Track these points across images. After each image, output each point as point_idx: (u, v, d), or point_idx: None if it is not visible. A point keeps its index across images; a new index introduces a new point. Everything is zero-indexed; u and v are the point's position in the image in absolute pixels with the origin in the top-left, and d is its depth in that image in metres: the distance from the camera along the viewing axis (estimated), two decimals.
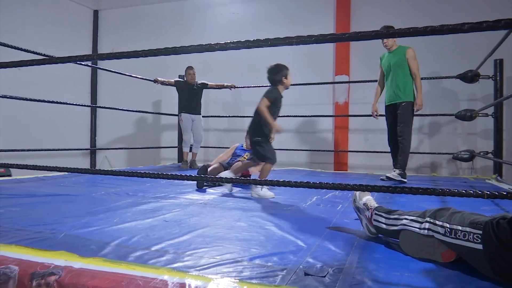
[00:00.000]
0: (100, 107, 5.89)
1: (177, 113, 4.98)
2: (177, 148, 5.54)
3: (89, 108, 6.64)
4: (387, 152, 3.91)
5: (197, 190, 2.74)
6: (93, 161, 6.74)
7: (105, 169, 3.82)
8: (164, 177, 1.74)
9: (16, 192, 2.52)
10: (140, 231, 1.53)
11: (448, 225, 1.14)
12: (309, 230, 1.59)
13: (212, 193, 2.68)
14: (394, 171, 3.45)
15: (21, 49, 3.01)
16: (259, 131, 2.59)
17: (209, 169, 3.15)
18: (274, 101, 2.58)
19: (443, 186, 3.15)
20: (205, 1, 6.10)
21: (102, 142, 6.69)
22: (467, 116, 4.03)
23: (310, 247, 1.34)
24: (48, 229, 1.52)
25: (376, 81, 3.87)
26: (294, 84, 4.47)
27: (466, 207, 1.32)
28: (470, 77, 3.97)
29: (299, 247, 1.35)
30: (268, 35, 1.44)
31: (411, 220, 1.28)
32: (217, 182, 2.92)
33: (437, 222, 1.19)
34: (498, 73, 3.93)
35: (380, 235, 1.46)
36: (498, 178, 3.78)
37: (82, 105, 5.28)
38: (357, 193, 1.60)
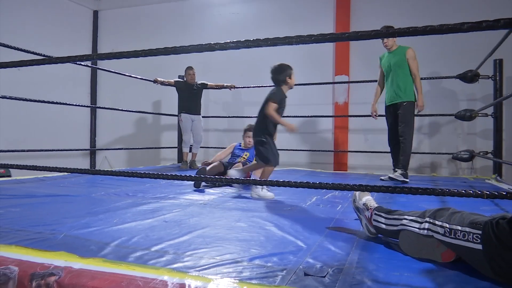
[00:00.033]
0: (100, 107, 5.89)
1: (177, 113, 4.98)
2: (177, 149, 5.55)
3: (89, 108, 6.64)
4: (387, 152, 3.91)
5: (195, 190, 2.74)
6: (93, 162, 6.74)
7: (105, 169, 3.82)
8: (164, 177, 1.74)
9: (16, 192, 2.52)
10: (140, 232, 1.53)
11: (447, 225, 1.15)
12: (309, 230, 1.59)
13: (212, 193, 2.68)
14: (396, 171, 3.44)
15: (21, 50, 3.01)
16: (263, 132, 2.58)
17: (208, 168, 3.14)
18: (279, 102, 2.56)
19: (442, 186, 3.15)
20: (204, 2, 6.10)
21: (102, 143, 6.69)
22: (466, 116, 4.03)
23: (310, 247, 1.34)
24: (48, 230, 1.52)
25: (376, 81, 3.88)
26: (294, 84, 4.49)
27: (466, 207, 1.32)
28: (469, 77, 3.98)
29: (299, 247, 1.35)
30: (268, 35, 1.44)
31: (411, 220, 1.28)
32: (217, 182, 2.92)
33: (437, 222, 1.19)
34: (497, 73, 3.94)
35: (379, 235, 1.46)
36: (498, 178, 3.78)
37: (82, 106, 5.28)
38: (357, 193, 1.60)
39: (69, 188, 2.78)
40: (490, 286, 1.02)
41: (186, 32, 6.08)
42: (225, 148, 3.80)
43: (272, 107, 2.53)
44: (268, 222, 1.74)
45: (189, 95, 4.76)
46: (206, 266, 1.13)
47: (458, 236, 1.10)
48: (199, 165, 4.73)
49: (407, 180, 3.38)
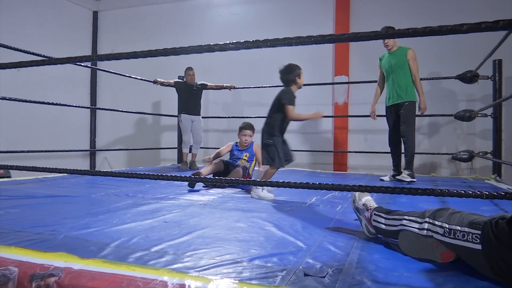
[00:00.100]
0: (99, 108, 5.89)
1: (176, 114, 4.98)
2: (176, 149, 5.55)
3: (89, 109, 6.64)
4: (387, 153, 3.92)
5: (189, 191, 2.74)
6: (92, 162, 6.74)
7: (105, 170, 3.81)
8: (164, 178, 1.74)
9: (15, 193, 2.52)
10: (139, 232, 1.53)
11: (447, 225, 1.15)
12: (309, 231, 1.59)
13: (212, 194, 2.68)
14: (400, 173, 3.44)
15: (20, 50, 3.01)
16: (271, 134, 2.58)
17: (204, 169, 3.08)
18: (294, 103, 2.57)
19: (442, 186, 3.15)
20: (204, 2, 6.10)
21: (102, 143, 6.69)
22: (466, 116, 4.04)
23: (310, 248, 1.34)
24: (48, 231, 1.52)
25: (375, 81, 3.88)
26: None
27: (466, 207, 1.32)
28: (469, 77, 3.99)
29: (298, 247, 1.35)
30: (267, 36, 1.45)
31: (410, 220, 1.28)
32: (218, 183, 2.92)
33: (436, 223, 1.19)
34: (497, 74, 3.94)
35: (379, 235, 1.46)
36: (497, 178, 3.78)
37: (81, 107, 5.28)
38: (357, 193, 1.60)
39: (69, 189, 2.78)
40: (489, 286, 1.02)
41: (186, 32, 6.09)
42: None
43: (292, 110, 2.55)
44: (268, 223, 1.74)
45: (189, 96, 4.76)
46: (206, 267, 1.14)
47: (458, 236, 1.11)
48: (199, 165, 4.73)
49: (415, 179, 3.39)
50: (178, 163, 5.48)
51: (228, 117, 5.58)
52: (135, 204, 2.18)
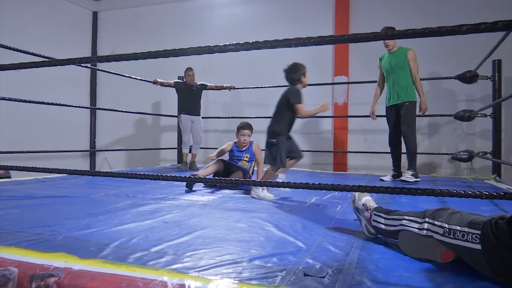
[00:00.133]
0: (99, 108, 5.90)
1: (176, 114, 4.98)
2: (176, 149, 5.55)
3: (89, 109, 6.64)
4: (387, 153, 3.92)
5: (186, 191, 2.74)
6: (92, 163, 6.74)
7: (105, 170, 3.81)
8: (164, 178, 1.75)
9: (15, 193, 2.52)
10: (139, 233, 1.53)
11: (447, 226, 1.15)
12: (309, 231, 1.60)
13: (212, 194, 2.68)
14: (407, 172, 3.43)
15: (20, 51, 3.01)
16: (276, 134, 2.59)
17: (202, 170, 3.08)
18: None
19: (442, 186, 3.16)
20: (204, 3, 6.11)
21: (102, 144, 6.69)
22: (465, 116, 4.04)
23: (310, 248, 1.35)
24: (48, 231, 1.52)
25: (375, 82, 3.88)
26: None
27: (465, 207, 1.32)
28: (468, 77, 3.99)
29: (298, 247, 1.35)
30: (267, 37, 1.45)
31: (410, 220, 1.29)
32: (218, 183, 2.92)
33: (436, 223, 1.19)
34: (496, 74, 3.95)
35: (379, 235, 1.46)
36: (497, 178, 3.79)
37: (81, 107, 5.28)
38: (356, 193, 1.60)
39: (69, 189, 2.78)
40: (489, 286, 1.02)
41: (186, 33, 6.09)
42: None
43: (302, 108, 2.56)
44: (267, 223, 1.74)
45: (189, 96, 4.76)
46: (206, 267, 1.14)
47: (457, 236, 1.11)
48: (199, 165, 4.73)
49: (419, 179, 3.40)
50: (178, 163, 5.48)
51: (228, 118, 5.58)
52: (135, 204, 2.18)
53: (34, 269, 1.10)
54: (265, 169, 2.89)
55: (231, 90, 5.03)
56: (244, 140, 3.17)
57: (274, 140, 2.58)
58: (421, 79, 3.53)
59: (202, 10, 6.11)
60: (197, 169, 4.22)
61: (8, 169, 2.15)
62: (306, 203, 2.33)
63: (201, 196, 2.58)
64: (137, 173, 1.80)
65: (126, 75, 4.57)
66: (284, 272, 1.10)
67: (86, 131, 6.69)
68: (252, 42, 1.41)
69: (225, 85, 4.94)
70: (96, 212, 1.95)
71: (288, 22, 5.52)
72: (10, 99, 3.20)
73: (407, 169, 3.47)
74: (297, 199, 2.46)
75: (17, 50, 2.99)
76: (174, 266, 1.14)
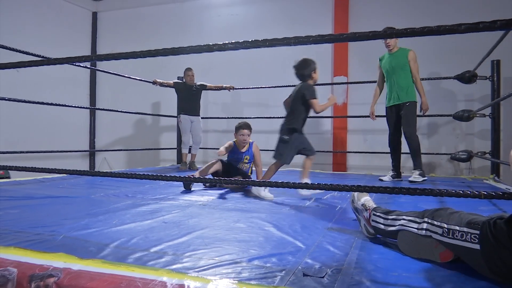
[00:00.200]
0: (99, 109, 5.90)
1: (176, 114, 4.98)
2: (176, 150, 5.55)
3: (88, 109, 6.63)
4: (386, 153, 3.92)
5: (183, 192, 2.73)
6: (92, 163, 6.73)
7: (104, 170, 3.81)
8: (163, 178, 1.74)
9: (15, 194, 2.52)
10: (139, 233, 1.53)
11: (446, 225, 1.15)
12: (308, 231, 1.60)
13: (211, 194, 2.68)
14: (414, 172, 3.44)
15: (20, 51, 3.00)
16: (290, 131, 2.60)
17: (201, 170, 3.04)
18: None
19: (441, 186, 3.16)
20: (203, 3, 6.11)
21: (101, 144, 6.69)
22: (464, 116, 4.05)
23: (309, 248, 1.35)
24: (47, 231, 1.52)
25: (374, 82, 3.89)
26: (292, 86, 4.49)
27: (464, 207, 1.32)
28: (467, 77, 4.00)
29: (297, 248, 1.36)
30: (267, 37, 1.45)
31: (409, 220, 1.29)
32: (218, 183, 2.92)
33: (435, 223, 1.19)
34: (495, 74, 3.95)
35: (378, 235, 1.46)
36: (496, 178, 3.79)
37: (81, 107, 5.28)
38: (356, 193, 1.60)
39: (68, 190, 2.78)
40: (488, 286, 1.03)
41: (186, 33, 6.09)
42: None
43: (316, 103, 2.57)
44: (267, 223, 1.74)
45: (188, 96, 4.76)
46: (205, 267, 1.14)
47: (456, 236, 1.11)
48: (198, 165, 4.73)
49: (426, 178, 3.43)
50: (177, 163, 5.48)
51: (228, 118, 5.58)
52: (135, 204, 2.18)
53: (33, 269, 1.10)
54: (264, 170, 2.89)
55: (231, 90, 5.03)
56: (244, 140, 3.09)
57: (287, 138, 2.58)
58: (420, 79, 3.53)
59: (201, 11, 6.11)
60: (197, 169, 4.21)
61: (7, 169, 2.15)
62: (305, 203, 2.33)
63: (201, 196, 2.58)
64: (137, 173, 1.80)
65: (126, 75, 4.57)
66: (283, 272, 1.10)
67: (86, 131, 6.68)
68: (251, 40, 1.41)
69: (224, 85, 4.94)
70: (96, 212, 1.95)
71: (288, 23, 5.52)
72: (10, 99, 3.20)
73: (414, 169, 3.48)
74: (297, 199, 2.46)
75: (16, 50, 2.99)
76: (174, 266, 1.14)
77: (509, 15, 1.30)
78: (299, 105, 2.61)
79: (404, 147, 3.72)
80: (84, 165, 6.58)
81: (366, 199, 1.55)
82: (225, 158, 3.22)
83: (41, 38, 5.69)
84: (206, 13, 6.09)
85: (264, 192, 2.51)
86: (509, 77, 4.38)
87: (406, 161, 4.73)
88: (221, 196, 2.59)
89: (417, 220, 1.26)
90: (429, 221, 1.21)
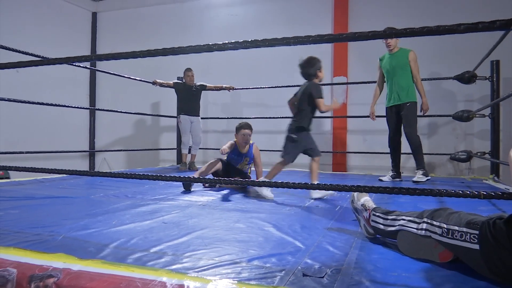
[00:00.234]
0: (99, 109, 5.90)
1: (176, 115, 4.98)
2: (176, 150, 5.55)
3: (88, 110, 6.63)
4: (386, 153, 3.92)
5: (183, 192, 2.73)
6: (92, 163, 6.73)
7: (104, 171, 3.82)
8: (163, 179, 1.74)
9: (14, 194, 2.52)
10: (138, 233, 1.53)
11: (445, 226, 1.15)
12: (308, 231, 1.60)
13: (211, 194, 2.68)
14: (417, 172, 3.44)
15: (20, 52, 3.00)
16: (300, 128, 2.60)
17: (201, 170, 3.03)
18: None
19: (440, 186, 3.16)
20: (203, 3, 6.11)
21: (101, 144, 6.69)
22: (464, 117, 4.05)
23: (309, 248, 1.35)
24: (47, 232, 1.52)
25: (374, 82, 3.89)
26: (292, 86, 4.50)
27: (464, 207, 1.32)
28: (467, 78, 4.00)
29: (297, 248, 1.36)
30: (266, 36, 1.45)
31: (409, 220, 1.29)
32: (217, 183, 2.92)
33: (435, 223, 1.19)
34: (494, 74, 3.96)
35: (378, 235, 1.46)
36: (495, 178, 3.79)
37: (81, 108, 5.28)
38: (355, 194, 1.60)
39: (68, 190, 2.78)
40: (487, 286, 1.03)
41: (185, 34, 6.09)
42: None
43: (322, 103, 2.57)
44: (266, 223, 1.74)
45: (188, 97, 4.76)
46: (205, 267, 1.14)
47: (456, 236, 1.11)
48: (198, 166, 4.73)
49: (429, 177, 3.43)
50: (177, 164, 5.48)
51: (227, 118, 5.58)
52: (134, 205, 2.18)
53: (33, 270, 1.10)
54: (265, 170, 2.89)
55: (230, 90, 5.03)
56: (245, 140, 3.05)
57: (295, 136, 2.58)
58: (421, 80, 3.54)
59: (201, 11, 6.11)
60: (196, 170, 4.21)
61: (7, 169, 2.15)
62: (305, 203, 2.33)
63: (200, 196, 2.58)
64: (136, 173, 1.80)
65: (126, 75, 4.57)
66: (283, 272, 1.10)
67: (86, 131, 6.68)
68: (251, 40, 1.41)
69: (224, 85, 4.95)
70: (95, 212, 1.95)
71: (287, 23, 5.52)
72: (9, 100, 3.20)
73: (417, 170, 3.48)
74: (296, 199, 2.46)
75: (16, 50, 2.99)
76: (173, 267, 1.14)
77: (509, 15, 1.30)
78: (306, 104, 2.60)
79: (404, 147, 3.72)
80: (84, 166, 6.58)
81: (366, 199, 1.55)
82: (224, 157, 3.20)
83: (41, 38, 5.69)
84: (206, 13, 6.09)
85: (266, 191, 2.51)
86: (509, 77, 4.39)
87: (406, 161, 4.73)
88: (221, 197, 2.59)
89: (417, 220, 1.26)
90: (429, 221, 1.21)
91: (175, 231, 1.57)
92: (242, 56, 5.36)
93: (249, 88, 5.32)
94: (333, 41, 1.53)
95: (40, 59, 3.11)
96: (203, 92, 4.94)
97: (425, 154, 4.80)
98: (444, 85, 4.81)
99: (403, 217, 1.32)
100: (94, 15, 6.75)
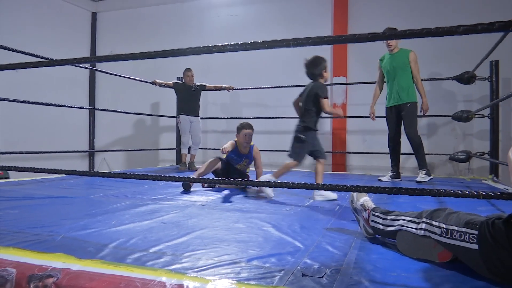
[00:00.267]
0: (98, 109, 5.91)
1: (175, 115, 4.98)
2: (175, 150, 5.55)
3: (88, 110, 6.63)
4: (385, 153, 3.93)
5: (182, 192, 2.73)
6: (91, 163, 6.73)
7: (104, 171, 3.81)
8: (162, 179, 1.75)
9: (14, 194, 2.52)
10: (138, 233, 1.53)
11: (444, 226, 1.15)
12: (307, 231, 1.60)
13: (210, 194, 2.68)
14: (420, 172, 3.45)
15: (19, 52, 3.00)
16: (308, 128, 2.59)
17: (204, 170, 3.02)
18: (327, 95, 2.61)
19: (439, 186, 3.16)
20: (203, 4, 6.11)
21: (101, 144, 6.68)
22: (463, 117, 4.05)
23: (308, 248, 1.35)
24: (46, 232, 1.52)
25: (374, 82, 3.89)
26: (292, 86, 4.51)
27: (463, 207, 1.33)
28: (466, 78, 4.01)
29: (296, 248, 1.36)
30: (266, 37, 1.45)
31: (408, 220, 1.29)
32: (216, 184, 2.92)
33: (434, 223, 1.19)
34: (494, 75, 3.96)
35: (377, 235, 1.47)
36: (494, 178, 3.80)
37: (80, 108, 5.28)
38: (355, 194, 1.61)
39: (68, 190, 2.78)
40: (486, 286, 1.03)
41: (185, 34, 6.09)
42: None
43: (327, 103, 2.56)
44: (266, 223, 1.74)
45: (188, 97, 4.76)
46: (204, 267, 1.14)
47: (455, 236, 1.11)
48: (197, 166, 4.73)
49: (432, 177, 3.45)
50: (176, 164, 5.48)
51: (227, 118, 5.58)
52: (134, 205, 2.18)
53: (32, 270, 1.10)
54: (265, 170, 2.89)
55: (230, 90, 5.03)
56: (247, 140, 3.02)
57: (303, 136, 2.57)
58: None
59: (201, 11, 6.12)
60: (196, 170, 4.21)
61: (6, 169, 2.15)
62: (304, 203, 2.33)
63: (200, 196, 2.58)
64: (136, 173, 1.81)
65: (125, 76, 4.57)
66: (282, 272, 1.11)
67: (85, 131, 6.68)
68: (251, 42, 1.41)
69: (224, 85, 4.95)
70: (95, 212, 1.95)
71: (287, 23, 5.52)
72: (9, 100, 3.20)
73: (419, 170, 3.49)
74: (296, 199, 2.46)
75: (16, 51, 2.99)
76: (173, 267, 1.14)
77: (508, 15, 1.30)
78: (312, 104, 2.59)
79: (404, 148, 3.73)
80: (83, 166, 6.58)
81: (365, 199, 1.55)
82: (224, 156, 3.18)
83: (41, 39, 5.69)
84: (206, 14, 6.09)
85: (267, 188, 2.50)
86: (508, 78, 4.39)
87: (406, 161, 4.74)
88: (220, 197, 2.59)
89: (416, 220, 1.26)
90: (428, 221, 1.22)
91: (175, 231, 1.57)
92: (241, 56, 5.33)
93: (248, 88, 5.32)
94: (332, 43, 1.53)
95: (40, 60, 3.11)
96: (202, 92, 4.94)
97: (425, 154, 4.83)
98: (444, 85, 4.81)
99: (402, 217, 1.32)
100: (94, 15, 6.75)
